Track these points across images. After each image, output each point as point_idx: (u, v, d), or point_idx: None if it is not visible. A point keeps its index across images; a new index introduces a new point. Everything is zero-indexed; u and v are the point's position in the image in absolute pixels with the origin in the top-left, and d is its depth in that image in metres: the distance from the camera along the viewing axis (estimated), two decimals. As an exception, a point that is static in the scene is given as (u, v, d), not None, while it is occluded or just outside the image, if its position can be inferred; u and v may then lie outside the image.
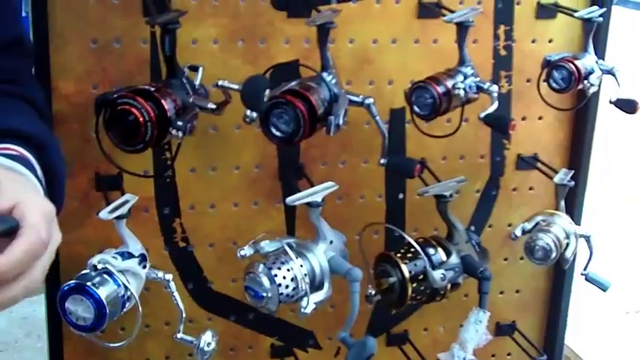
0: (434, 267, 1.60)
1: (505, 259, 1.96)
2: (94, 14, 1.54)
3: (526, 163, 1.88)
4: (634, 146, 5.34)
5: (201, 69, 1.48)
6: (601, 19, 1.68)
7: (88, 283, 1.35)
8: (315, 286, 1.50)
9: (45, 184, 1.04)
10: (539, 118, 1.87)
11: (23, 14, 2.81)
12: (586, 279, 1.78)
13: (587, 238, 1.75)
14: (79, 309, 1.34)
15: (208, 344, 1.47)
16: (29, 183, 0.98)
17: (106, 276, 1.38)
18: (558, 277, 1.98)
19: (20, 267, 0.81)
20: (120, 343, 1.48)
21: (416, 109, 1.57)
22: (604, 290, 1.77)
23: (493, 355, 2.05)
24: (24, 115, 1.11)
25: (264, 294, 1.46)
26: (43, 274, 0.86)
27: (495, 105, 1.58)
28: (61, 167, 1.11)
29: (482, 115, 1.57)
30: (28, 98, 1.14)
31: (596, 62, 1.70)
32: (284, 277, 1.46)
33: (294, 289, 1.47)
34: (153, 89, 1.38)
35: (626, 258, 3.91)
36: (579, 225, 1.84)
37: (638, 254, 4.09)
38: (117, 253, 1.44)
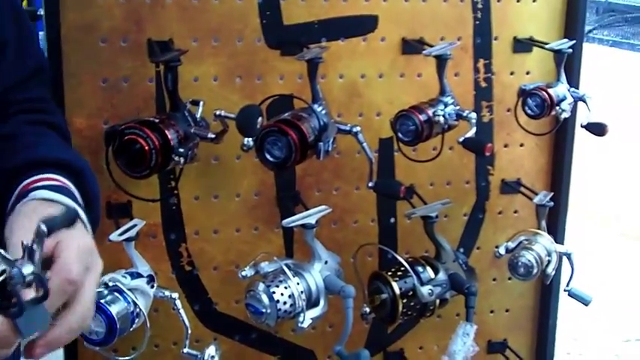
0: (422, 283, 1.71)
1: (494, 280, 2.05)
2: (105, 56, 1.67)
3: (510, 187, 1.98)
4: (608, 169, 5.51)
5: (201, 103, 1.62)
6: (570, 50, 1.81)
7: (101, 300, 1.48)
8: (312, 303, 1.61)
9: (84, 206, 1.09)
10: (521, 145, 1.98)
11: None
12: (569, 294, 1.88)
13: (569, 256, 1.85)
14: (92, 324, 1.46)
15: (212, 357, 1.59)
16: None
17: (117, 294, 1.51)
18: (545, 295, 2.07)
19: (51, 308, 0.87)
20: (130, 357, 1.60)
21: (400, 135, 1.70)
22: (586, 304, 1.87)
23: (486, 373, 2.13)
24: (57, 143, 1.19)
25: (264, 310, 1.57)
26: (89, 304, 0.92)
27: (474, 130, 1.70)
28: (96, 188, 1.16)
29: (461, 139, 1.69)
30: (55, 125, 1.22)
31: (569, 90, 1.82)
32: (282, 294, 1.57)
33: (291, 305, 1.58)
34: (157, 121, 1.51)
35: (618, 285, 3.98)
36: (562, 244, 1.94)
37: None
38: (127, 273, 1.57)
